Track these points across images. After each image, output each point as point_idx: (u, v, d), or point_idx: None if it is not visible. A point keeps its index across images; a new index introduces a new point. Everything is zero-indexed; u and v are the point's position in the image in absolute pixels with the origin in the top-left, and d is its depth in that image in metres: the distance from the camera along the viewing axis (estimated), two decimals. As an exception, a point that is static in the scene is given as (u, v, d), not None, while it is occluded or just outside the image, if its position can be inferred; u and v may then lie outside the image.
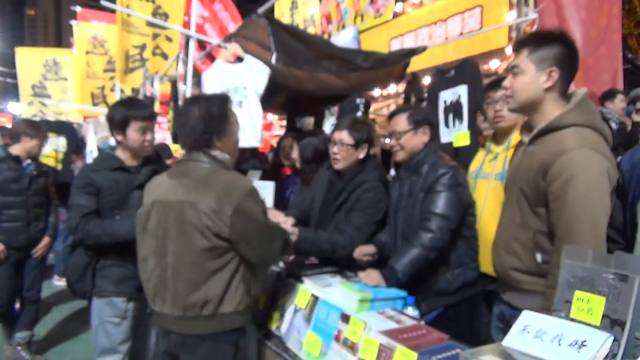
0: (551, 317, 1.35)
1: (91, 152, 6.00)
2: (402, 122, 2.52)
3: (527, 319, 1.39)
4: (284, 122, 5.55)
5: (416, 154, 2.50)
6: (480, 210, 2.55)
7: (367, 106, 5.00)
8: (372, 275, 2.23)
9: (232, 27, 9.23)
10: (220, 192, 1.87)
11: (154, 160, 2.77)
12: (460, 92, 3.75)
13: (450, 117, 3.82)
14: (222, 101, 2.04)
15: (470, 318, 2.47)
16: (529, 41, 1.93)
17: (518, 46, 1.95)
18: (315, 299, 2.14)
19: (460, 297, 2.40)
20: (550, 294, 1.71)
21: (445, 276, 2.37)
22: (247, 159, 4.23)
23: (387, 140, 2.88)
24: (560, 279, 1.42)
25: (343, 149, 2.69)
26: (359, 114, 4.85)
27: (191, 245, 1.87)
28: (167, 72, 5.16)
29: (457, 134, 3.64)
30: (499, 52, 5.94)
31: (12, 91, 25.40)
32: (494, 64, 6.00)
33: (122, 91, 6.95)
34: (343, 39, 7.99)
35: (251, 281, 1.99)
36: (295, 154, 3.22)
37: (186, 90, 3.44)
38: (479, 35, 6.05)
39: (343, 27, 8.41)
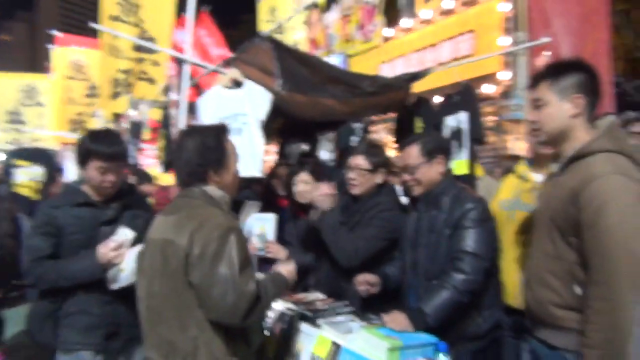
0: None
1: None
2: (414, 154, 2.40)
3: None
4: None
5: (434, 186, 2.36)
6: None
7: (365, 131, 4.91)
8: (398, 320, 2.07)
9: (215, 53, 9.20)
10: (194, 230, 1.75)
11: (126, 193, 2.55)
12: (461, 119, 3.68)
13: (454, 144, 3.73)
14: (218, 131, 1.97)
15: (499, 360, 2.32)
16: (547, 73, 1.93)
17: (536, 80, 1.95)
18: (336, 347, 1.95)
19: (489, 341, 2.24)
20: (590, 329, 1.65)
21: (476, 320, 2.23)
22: (240, 189, 4.04)
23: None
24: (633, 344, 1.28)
25: (360, 174, 2.66)
26: (356, 139, 4.77)
27: (172, 286, 1.78)
28: (158, 98, 4.99)
29: (457, 162, 3.57)
30: (492, 77, 5.97)
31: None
32: (488, 89, 6.02)
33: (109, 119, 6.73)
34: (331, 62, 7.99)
35: (236, 340, 1.82)
36: (300, 186, 3.04)
37: (179, 117, 3.26)
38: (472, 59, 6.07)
39: (330, 52, 8.40)
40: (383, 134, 7.00)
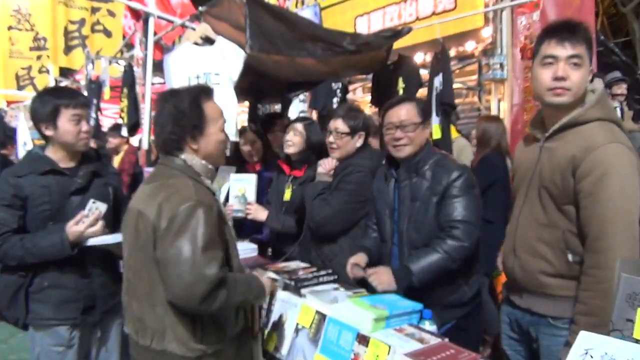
0: (615, 339, 1.30)
1: (25, 145, 5.56)
2: (412, 112, 2.41)
3: (587, 341, 1.33)
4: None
5: (419, 150, 2.41)
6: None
7: (344, 91, 4.93)
8: (382, 278, 2.16)
9: (175, 1, 8.89)
10: (162, 201, 1.73)
11: (93, 159, 2.49)
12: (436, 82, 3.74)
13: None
14: (196, 94, 1.88)
15: (480, 325, 2.45)
16: (582, 32, 1.85)
17: (576, 33, 1.84)
18: (321, 316, 2.02)
19: (472, 306, 2.36)
20: (587, 296, 1.73)
21: (462, 287, 2.32)
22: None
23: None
24: (618, 294, 1.38)
25: (339, 138, 2.75)
26: (336, 100, 4.79)
27: (143, 260, 1.77)
28: (116, 54, 4.83)
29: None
30: (474, 33, 5.99)
31: None
32: (470, 46, 6.04)
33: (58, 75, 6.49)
34: (303, 15, 7.83)
35: (205, 326, 1.80)
36: (293, 137, 3.05)
37: (146, 76, 3.19)
38: (453, 14, 6.06)
39: (302, 3, 8.23)
40: (360, 93, 7.01)
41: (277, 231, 3.04)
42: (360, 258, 2.46)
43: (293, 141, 3.04)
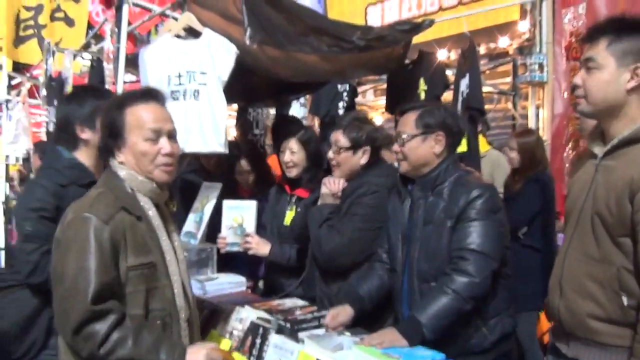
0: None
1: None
2: (410, 123, 2.49)
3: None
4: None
5: (432, 167, 2.45)
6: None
7: (352, 94, 4.97)
8: (389, 337, 2.14)
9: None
10: (67, 213, 1.89)
11: None
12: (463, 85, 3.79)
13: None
14: (121, 99, 2.04)
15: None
16: (608, 28, 1.92)
17: (593, 34, 1.95)
18: (324, 366, 2.04)
19: (497, 354, 2.37)
20: None
21: (481, 330, 2.33)
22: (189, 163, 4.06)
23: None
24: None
25: (338, 153, 2.83)
26: (342, 104, 4.84)
27: None
28: (81, 47, 4.89)
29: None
30: (508, 27, 6.07)
31: None
32: (504, 42, 6.12)
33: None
34: (304, 3, 7.93)
35: None
36: (292, 158, 3.10)
37: (118, 74, 3.24)
38: (483, 3, 6.15)
39: (304, -12, 8.35)
40: (372, 97, 7.06)
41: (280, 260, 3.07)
42: (343, 313, 2.46)
43: (293, 161, 3.09)
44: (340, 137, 2.82)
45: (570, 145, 4.55)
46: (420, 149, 2.45)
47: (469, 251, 2.25)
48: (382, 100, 5.40)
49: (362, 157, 2.83)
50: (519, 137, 4.26)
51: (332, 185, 2.87)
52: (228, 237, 3.08)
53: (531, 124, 5.93)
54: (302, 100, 5.79)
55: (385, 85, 4.44)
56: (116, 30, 3.29)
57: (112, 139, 1.95)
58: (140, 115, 1.95)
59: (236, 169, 4.16)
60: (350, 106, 4.93)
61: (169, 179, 2.01)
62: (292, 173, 3.12)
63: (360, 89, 6.23)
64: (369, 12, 7.61)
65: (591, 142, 2.07)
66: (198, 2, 3.18)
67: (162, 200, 2.05)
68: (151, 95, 2.03)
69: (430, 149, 2.45)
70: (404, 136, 2.47)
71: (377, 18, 7.50)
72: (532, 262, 3.93)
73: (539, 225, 3.98)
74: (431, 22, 3.68)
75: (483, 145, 4.54)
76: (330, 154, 2.86)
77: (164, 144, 1.95)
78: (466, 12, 5.38)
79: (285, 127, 3.88)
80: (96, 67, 4.07)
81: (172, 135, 2.00)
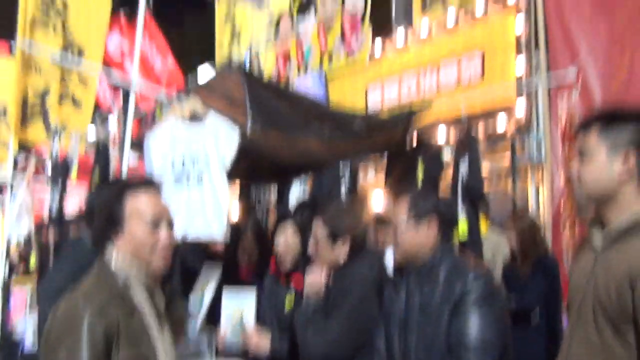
0: None
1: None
2: (402, 210, 2.50)
3: None
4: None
5: (421, 253, 2.45)
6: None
7: (354, 176, 5.04)
8: None
9: (159, 64, 9.34)
10: (59, 303, 1.87)
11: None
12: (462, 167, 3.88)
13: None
14: (120, 187, 2.03)
15: None
16: (597, 119, 2.01)
17: (585, 124, 2.03)
18: None
19: None
20: None
21: None
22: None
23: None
24: None
25: (318, 244, 2.80)
26: (344, 185, 4.90)
27: None
28: (86, 127, 5.02)
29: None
30: (506, 109, 6.20)
31: None
32: (501, 124, 6.24)
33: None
34: (305, 84, 8.16)
35: None
36: (285, 245, 3.11)
37: (123, 157, 3.32)
38: (481, 86, 6.33)
39: (305, 69, 8.61)
40: (372, 174, 7.13)
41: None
42: None
43: (288, 251, 3.10)
44: (319, 228, 2.81)
45: (568, 227, 4.59)
46: (413, 235, 2.45)
47: (467, 348, 2.22)
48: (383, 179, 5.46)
49: (342, 247, 2.79)
50: (516, 222, 4.29)
51: (315, 278, 2.81)
52: (227, 334, 3.07)
53: (531, 204, 5.96)
54: (303, 180, 5.85)
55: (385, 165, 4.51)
56: (122, 116, 3.39)
57: (110, 226, 1.94)
58: (141, 203, 1.96)
59: (240, 244, 4.09)
60: (353, 186, 4.98)
61: (166, 268, 2.00)
62: (286, 266, 3.11)
63: (361, 169, 6.31)
64: (369, 92, 7.75)
65: (591, 228, 2.09)
66: (203, 87, 3.30)
67: (157, 288, 2.02)
68: (152, 183, 2.06)
69: (424, 235, 2.45)
70: (397, 223, 2.49)
71: (377, 98, 7.63)
72: (539, 346, 3.91)
73: (546, 309, 3.98)
74: (429, 104, 3.81)
75: (483, 226, 4.56)
76: (311, 245, 2.84)
77: (164, 233, 1.96)
78: (464, 94, 5.53)
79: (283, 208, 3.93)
80: (102, 151, 4.17)
81: (171, 225, 2.01)
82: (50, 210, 4.80)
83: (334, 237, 2.77)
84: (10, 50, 7.01)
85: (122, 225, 1.93)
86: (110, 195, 2.00)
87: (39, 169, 6.23)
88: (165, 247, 1.96)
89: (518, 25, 5.99)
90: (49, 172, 4.89)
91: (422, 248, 2.46)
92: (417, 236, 2.46)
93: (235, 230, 3.74)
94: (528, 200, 6.01)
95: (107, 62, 7.25)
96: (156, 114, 4.64)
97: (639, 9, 6.21)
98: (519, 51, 5.98)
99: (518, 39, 5.99)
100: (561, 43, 5.79)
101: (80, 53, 6.27)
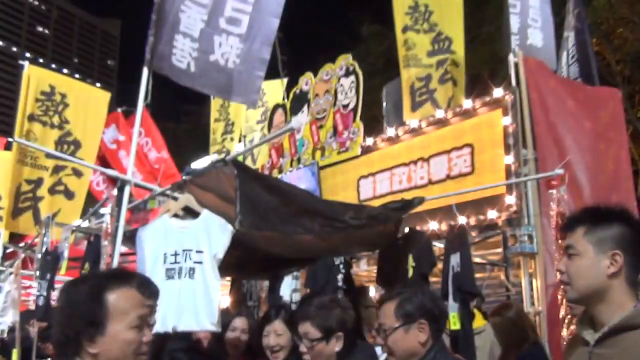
0: None
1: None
2: (389, 315, 2.47)
3: None
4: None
5: (420, 358, 2.42)
6: None
7: (348, 267, 5.03)
8: None
9: (153, 156, 9.49)
10: None
11: None
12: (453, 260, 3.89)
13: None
14: (97, 282, 1.82)
15: None
16: (584, 218, 2.07)
17: (571, 223, 2.09)
18: None
19: None
20: None
21: None
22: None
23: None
24: None
25: (311, 347, 2.74)
26: (340, 277, 4.88)
27: None
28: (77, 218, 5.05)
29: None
30: (496, 200, 6.29)
31: None
32: (492, 214, 6.31)
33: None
34: (298, 175, 8.30)
35: None
36: (277, 339, 3.08)
37: (115, 251, 3.33)
38: (472, 179, 6.46)
39: (298, 161, 8.76)
40: (365, 266, 7.13)
41: None
42: None
43: (279, 344, 3.08)
44: (309, 329, 2.75)
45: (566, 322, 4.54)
46: (404, 341, 2.42)
47: None
48: (375, 270, 5.44)
49: (336, 344, 2.75)
50: (492, 317, 4.26)
51: None
52: None
53: (525, 294, 5.93)
54: (295, 272, 5.84)
55: (377, 257, 4.52)
56: (116, 209, 3.43)
57: (81, 329, 1.72)
58: (127, 300, 1.79)
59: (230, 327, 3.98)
60: (348, 278, 4.96)
61: None
62: (279, 359, 3.07)
63: (353, 260, 6.32)
64: (361, 184, 7.86)
65: (580, 328, 2.10)
66: (197, 183, 3.36)
67: None
68: (131, 278, 1.87)
69: (415, 339, 2.42)
70: (386, 329, 2.45)
71: (369, 190, 7.74)
72: None
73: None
74: (421, 200, 3.87)
75: (479, 320, 4.52)
76: (303, 348, 2.78)
77: (147, 332, 1.82)
78: (454, 190, 5.64)
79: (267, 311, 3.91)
80: (94, 243, 4.17)
81: (153, 323, 1.87)
82: (36, 302, 4.74)
83: (327, 336, 2.73)
84: (7, 147, 7.19)
85: (103, 326, 1.74)
86: (82, 293, 1.77)
87: (27, 261, 6.20)
88: (146, 347, 1.82)
89: (506, 121, 6.18)
90: (38, 264, 4.86)
91: (414, 352, 2.43)
92: (408, 341, 2.43)
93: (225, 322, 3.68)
94: (522, 289, 5.99)
95: (101, 149, 7.39)
96: (148, 205, 4.69)
97: (620, 107, 6.50)
98: (507, 150, 6.14)
99: (506, 136, 6.16)
100: (548, 140, 5.98)
101: (76, 145, 6.41)
